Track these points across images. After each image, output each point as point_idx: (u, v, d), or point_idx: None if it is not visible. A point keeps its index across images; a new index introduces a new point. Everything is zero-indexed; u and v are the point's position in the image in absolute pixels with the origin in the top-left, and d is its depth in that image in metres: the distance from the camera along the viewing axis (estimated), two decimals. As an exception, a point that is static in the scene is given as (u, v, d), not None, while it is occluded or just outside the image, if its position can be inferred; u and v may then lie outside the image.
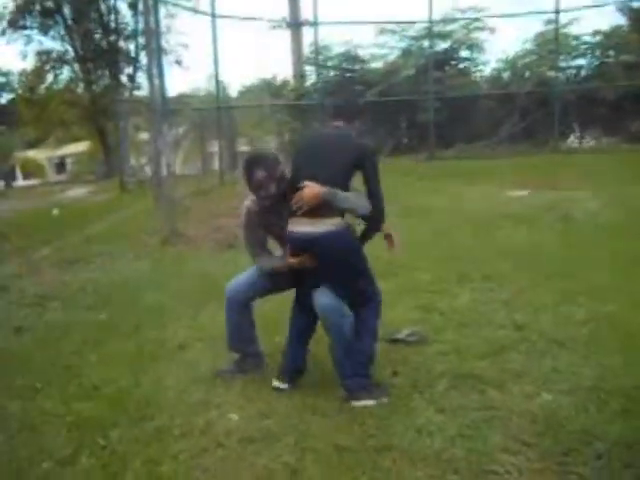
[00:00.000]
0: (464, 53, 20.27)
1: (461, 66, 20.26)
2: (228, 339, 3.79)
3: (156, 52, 9.79)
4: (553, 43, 16.42)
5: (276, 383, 3.50)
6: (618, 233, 6.83)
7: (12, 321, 5.27)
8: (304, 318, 3.53)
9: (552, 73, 16.82)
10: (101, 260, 7.53)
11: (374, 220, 3.43)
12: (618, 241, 6.43)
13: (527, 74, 17.86)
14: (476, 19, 19.13)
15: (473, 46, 19.89)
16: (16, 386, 3.80)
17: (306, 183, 3.22)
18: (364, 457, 2.78)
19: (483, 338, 4.07)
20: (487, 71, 20.65)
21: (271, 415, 3.20)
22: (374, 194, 3.36)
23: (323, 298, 3.29)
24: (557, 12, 15.77)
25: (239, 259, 7.00)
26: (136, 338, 4.58)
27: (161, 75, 9.28)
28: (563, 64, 17.42)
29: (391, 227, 3.59)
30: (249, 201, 3.60)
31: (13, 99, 41.44)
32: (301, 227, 3.27)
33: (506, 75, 19.58)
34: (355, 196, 3.32)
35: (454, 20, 19.25)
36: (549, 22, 17.04)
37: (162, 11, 24.65)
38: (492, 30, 18.95)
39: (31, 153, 44.02)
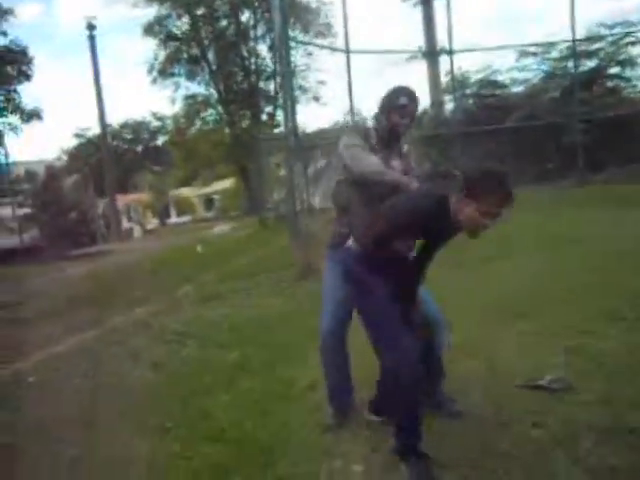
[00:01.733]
0: (614, 70, 19.13)
1: (610, 84, 19.12)
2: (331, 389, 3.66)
3: (289, 91, 10.02)
4: None
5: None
6: None
7: (151, 357, 5.45)
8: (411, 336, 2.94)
9: None
10: (238, 296, 7.69)
11: None
12: None
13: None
14: (627, 34, 18.01)
15: (625, 62, 18.71)
16: (148, 425, 3.86)
17: None
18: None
19: (638, 387, 3.61)
20: (640, 87, 19.35)
21: (396, 468, 2.98)
22: None
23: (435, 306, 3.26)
24: None
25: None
26: (266, 377, 4.54)
27: (293, 112, 9.45)
28: None
29: None
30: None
31: (167, 141, 44.60)
32: None
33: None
34: None
35: (600, 37, 18.26)
36: None
37: (300, 50, 25.54)
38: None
39: (184, 191, 46.87)
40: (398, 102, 3.27)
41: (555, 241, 8.03)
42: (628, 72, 19.08)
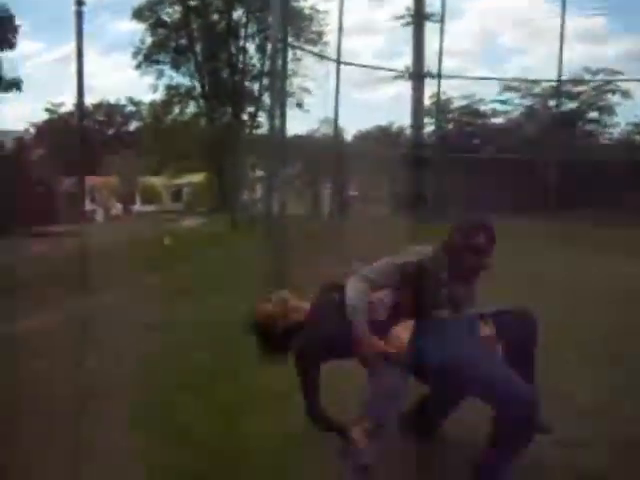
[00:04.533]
0: (592, 114, 19.59)
1: (588, 128, 19.57)
2: None
3: (280, 94, 9.94)
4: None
5: None
6: None
7: (114, 348, 5.27)
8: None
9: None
10: (208, 295, 7.52)
11: None
12: None
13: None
14: (609, 82, 18.46)
15: (603, 108, 19.18)
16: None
17: None
18: None
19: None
20: (616, 134, 19.87)
21: None
22: None
23: None
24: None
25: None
26: (235, 385, 4.40)
27: (283, 117, 9.37)
28: None
29: None
30: (421, 256, 2.96)
31: (141, 128, 43.98)
32: None
33: (638, 139, 18.72)
34: None
35: (584, 81, 18.66)
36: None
37: (289, 54, 25.47)
38: (626, 93, 18.22)
39: (152, 180, 46.22)
40: (475, 241, 2.87)
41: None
42: (606, 118, 19.59)
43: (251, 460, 3.20)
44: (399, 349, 2.71)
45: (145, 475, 3.06)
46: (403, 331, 2.78)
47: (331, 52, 15.56)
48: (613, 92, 18.84)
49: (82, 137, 31.85)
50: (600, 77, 18.58)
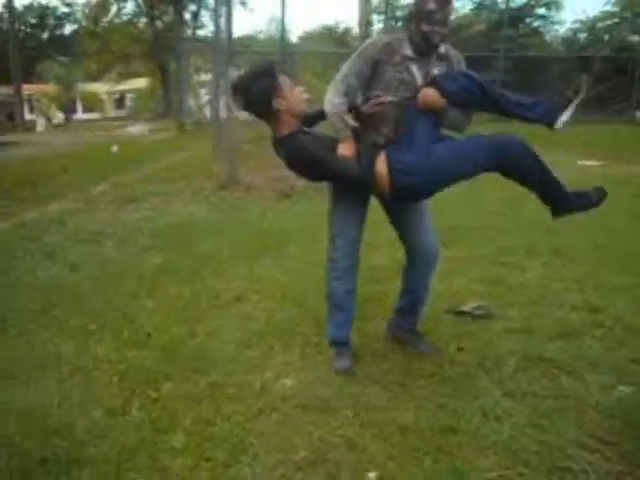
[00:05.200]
0: (540, 11, 19.41)
1: (535, 24, 19.44)
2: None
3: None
4: (639, 5, 15.40)
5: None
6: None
7: (68, 257, 5.25)
8: None
9: (635, 38, 15.91)
10: (158, 201, 7.48)
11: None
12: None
13: (606, 37, 17.00)
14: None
15: (551, 4, 19.01)
16: (70, 326, 3.75)
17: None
18: (427, 437, 2.61)
19: (554, 318, 3.82)
20: (563, 32, 19.84)
21: (329, 383, 3.05)
22: None
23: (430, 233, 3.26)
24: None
25: (296, 210, 6.90)
26: (191, 285, 4.48)
27: (229, 15, 9.05)
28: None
29: None
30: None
31: (76, 31, 41.69)
32: None
33: (583, 37, 18.71)
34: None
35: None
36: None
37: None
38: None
39: (92, 86, 44.39)
40: (425, 8, 2.89)
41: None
42: (553, 14, 19.46)
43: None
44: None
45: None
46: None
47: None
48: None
49: (14, 42, 30.16)
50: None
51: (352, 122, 3.01)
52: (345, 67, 3.00)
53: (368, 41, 2.99)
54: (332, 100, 2.98)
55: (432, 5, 2.86)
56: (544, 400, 2.90)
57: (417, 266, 3.27)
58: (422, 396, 2.93)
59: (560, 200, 3.00)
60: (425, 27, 2.89)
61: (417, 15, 2.91)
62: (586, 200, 2.99)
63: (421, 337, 3.44)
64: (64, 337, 3.60)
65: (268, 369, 3.20)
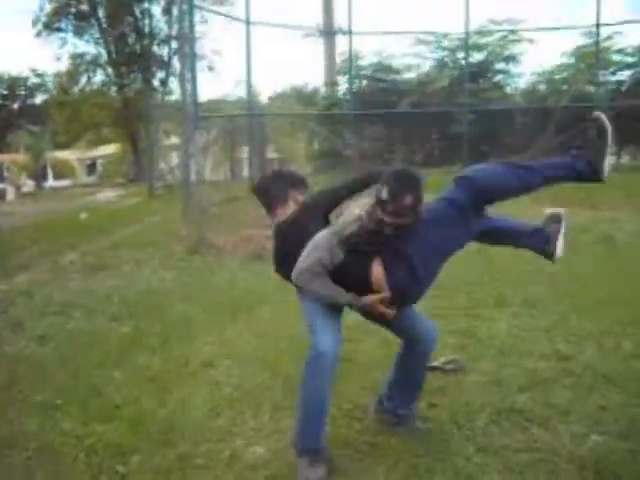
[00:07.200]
0: (499, 65, 20.04)
1: (496, 79, 20.02)
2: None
3: (190, 57, 9.74)
4: (593, 57, 15.93)
5: None
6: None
7: (35, 329, 5.16)
8: None
9: (591, 88, 16.44)
10: (128, 268, 7.43)
11: None
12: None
13: (564, 88, 17.56)
14: (513, 31, 18.88)
15: (509, 58, 19.65)
16: (36, 401, 3.66)
17: None
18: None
19: (524, 369, 3.84)
20: (522, 84, 20.45)
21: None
22: None
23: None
24: (597, 25, 15.02)
25: (268, 271, 6.89)
26: (161, 353, 4.43)
27: (194, 80, 9.21)
28: (603, 79, 16.94)
29: None
30: (364, 212, 2.78)
31: (47, 101, 41.93)
32: None
33: (542, 88, 19.30)
34: None
35: (490, 32, 19.02)
36: (589, 35, 16.60)
37: (196, 16, 24.81)
38: (530, 41, 18.71)
39: (63, 154, 44.41)
40: (381, 196, 2.69)
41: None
42: (512, 68, 20.10)
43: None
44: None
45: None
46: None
47: (239, 13, 15.16)
48: (518, 41, 19.24)
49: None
50: (504, 27, 18.94)
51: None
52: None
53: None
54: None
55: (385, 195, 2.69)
56: (516, 454, 2.89)
57: (418, 352, 3.07)
58: (395, 457, 2.89)
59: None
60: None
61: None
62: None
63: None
64: (30, 413, 3.51)
65: (238, 436, 3.15)
